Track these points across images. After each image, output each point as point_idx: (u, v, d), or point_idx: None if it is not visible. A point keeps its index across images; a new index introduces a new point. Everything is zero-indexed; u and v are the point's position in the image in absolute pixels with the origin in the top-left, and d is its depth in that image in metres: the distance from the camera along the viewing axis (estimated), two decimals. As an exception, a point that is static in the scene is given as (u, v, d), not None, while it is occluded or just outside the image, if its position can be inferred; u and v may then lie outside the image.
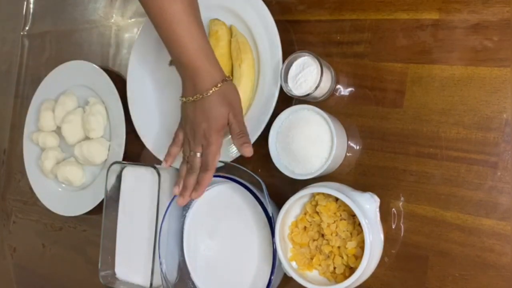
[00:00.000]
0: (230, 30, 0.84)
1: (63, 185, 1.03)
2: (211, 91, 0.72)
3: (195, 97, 0.73)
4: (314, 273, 0.70)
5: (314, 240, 0.70)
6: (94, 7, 1.07)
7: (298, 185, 0.72)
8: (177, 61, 0.73)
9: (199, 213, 0.82)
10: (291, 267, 0.69)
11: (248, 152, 0.75)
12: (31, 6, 1.19)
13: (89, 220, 1.01)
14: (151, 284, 0.81)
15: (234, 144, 0.76)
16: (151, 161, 0.89)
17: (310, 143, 0.71)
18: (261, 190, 0.72)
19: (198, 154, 0.76)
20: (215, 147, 0.75)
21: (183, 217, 0.82)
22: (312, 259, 0.70)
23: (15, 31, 1.21)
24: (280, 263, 0.70)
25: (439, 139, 0.68)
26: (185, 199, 0.77)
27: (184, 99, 0.75)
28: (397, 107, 0.71)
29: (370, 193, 0.67)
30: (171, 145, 0.81)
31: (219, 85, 0.73)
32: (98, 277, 0.89)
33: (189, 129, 0.76)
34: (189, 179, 0.77)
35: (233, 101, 0.75)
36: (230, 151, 0.81)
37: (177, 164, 0.86)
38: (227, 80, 0.74)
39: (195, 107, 0.74)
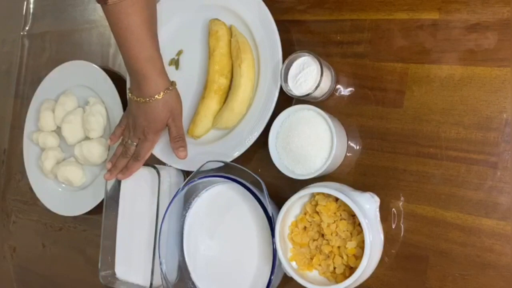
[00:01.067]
0: (230, 30, 0.84)
1: (63, 185, 1.03)
2: (153, 98, 0.79)
3: (139, 99, 0.80)
4: (314, 273, 0.70)
5: (314, 240, 0.70)
6: (94, 7, 1.07)
7: (298, 185, 0.72)
8: (127, 66, 0.79)
9: (199, 213, 0.82)
10: (291, 267, 0.69)
11: (183, 155, 0.83)
12: (31, 6, 1.19)
13: (89, 220, 1.01)
14: (151, 284, 0.81)
15: (171, 146, 0.84)
16: (151, 161, 0.88)
17: (310, 143, 0.71)
18: (261, 190, 0.72)
19: (134, 144, 0.85)
20: (150, 143, 0.84)
21: (183, 217, 0.82)
22: (312, 259, 0.70)
23: (15, 31, 1.20)
24: (280, 263, 0.70)
25: (439, 139, 0.68)
26: (112, 176, 0.87)
27: (130, 95, 0.82)
28: (397, 107, 0.71)
29: (370, 193, 0.68)
30: (117, 126, 0.89)
31: (161, 93, 0.79)
32: (98, 277, 0.89)
33: (131, 122, 0.84)
34: (121, 161, 0.86)
35: (173, 108, 0.82)
36: (230, 151, 0.81)
37: (176, 163, 0.86)
38: (171, 89, 0.80)
39: (138, 107, 0.81)
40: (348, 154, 0.75)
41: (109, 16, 0.75)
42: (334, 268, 0.68)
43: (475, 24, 0.67)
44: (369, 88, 0.73)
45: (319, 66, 0.72)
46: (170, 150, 0.86)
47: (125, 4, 0.72)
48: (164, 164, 0.88)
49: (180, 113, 0.84)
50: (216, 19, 0.85)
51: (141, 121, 0.82)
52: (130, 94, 0.82)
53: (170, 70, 0.87)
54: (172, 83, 0.81)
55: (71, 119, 0.99)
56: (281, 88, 0.76)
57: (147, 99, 0.79)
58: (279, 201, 0.72)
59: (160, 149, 0.88)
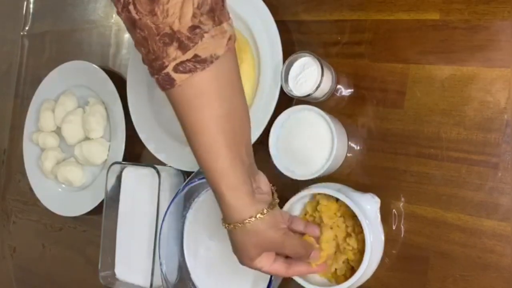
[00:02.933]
0: (231, 30, 0.84)
1: (63, 186, 1.03)
2: (231, 226, 0.59)
3: (224, 224, 0.61)
4: (314, 274, 0.70)
5: (314, 240, 0.70)
6: (94, 7, 1.07)
7: (299, 185, 0.72)
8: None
9: (199, 213, 0.81)
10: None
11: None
12: (31, 6, 1.19)
13: (89, 220, 1.01)
14: (151, 285, 0.81)
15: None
16: (151, 161, 0.88)
17: (310, 144, 0.71)
18: (261, 190, 0.72)
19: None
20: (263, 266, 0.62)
21: (183, 218, 0.82)
22: (312, 259, 0.70)
23: (15, 31, 1.20)
24: (280, 263, 0.70)
25: (440, 139, 0.68)
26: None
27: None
28: (398, 107, 0.71)
29: (371, 193, 0.68)
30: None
31: (239, 224, 0.58)
32: (98, 277, 0.89)
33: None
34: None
35: (264, 241, 0.60)
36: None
37: (176, 163, 0.86)
38: (255, 218, 0.57)
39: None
40: (348, 155, 0.75)
41: (174, 103, 0.55)
42: (335, 269, 0.68)
43: (475, 25, 0.67)
44: (370, 88, 0.73)
45: (319, 67, 0.72)
46: (170, 150, 0.86)
47: (193, 92, 0.53)
48: (164, 164, 0.88)
49: (277, 245, 0.61)
50: (217, 19, 0.85)
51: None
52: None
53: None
54: (262, 210, 0.58)
55: (71, 119, 0.99)
56: (281, 89, 0.76)
57: (225, 225, 0.60)
58: (279, 202, 0.71)
59: (160, 149, 0.88)
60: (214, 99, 0.53)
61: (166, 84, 0.53)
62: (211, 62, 0.52)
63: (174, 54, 0.51)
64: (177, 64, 0.51)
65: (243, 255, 0.61)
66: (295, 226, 0.66)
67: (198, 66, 0.51)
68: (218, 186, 0.57)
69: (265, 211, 0.58)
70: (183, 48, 0.51)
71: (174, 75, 0.52)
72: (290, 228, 0.65)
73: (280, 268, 0.63)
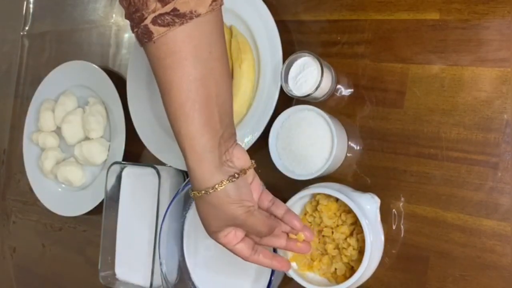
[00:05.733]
0: (230, 30, 0.84)
1: (63, 185, 1.03)
2: (197, 194, 0.57)
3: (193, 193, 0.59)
4: (314, 274, 0.70)
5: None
6: (94, 7, 1.07)
7: (299, 185, 0.72)
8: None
9: (199, 213, 0.82)
10: (291, 268, 0.69)
11: (282, 266, 0.63)
12: (31, 6, 1.19)
13: (89, 220, 1.01)
14: (151, 285, 0.81)
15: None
16: (151, 161, 0.88)
17: (310, 144, 0.71)
18: (261, 190, 0.72)
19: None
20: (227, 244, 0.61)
21: (183, 217, 0.82)
22: (312, 259, 0.70)
23: (15, 31, 1.20)
24: (280, 263, 0.70)
25: (440, 139, 0.68)
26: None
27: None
28: (398, 107, 0.71)
29: (371, 193, 0.68)
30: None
31: (204, 191, 0.56)
32: (98, 277, 0.89)
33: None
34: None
35: (225, 214, 0.58)
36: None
37: (176, 163, 0.86)
38: (213, 189, 0.56)
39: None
40: (348, 155, 0.75)
41: (151, 58, 0.55)
42: (335, 269, 0.68)
43: (475, 25, 0.67)
44: (370, 88, 0.73)
45: (319, 67, 0.72)
46: (170, 150, 0.86)
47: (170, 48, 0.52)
48: (164, 164, 0.88)
49: (238, 222, 0.58)
50: (216, 19, 0.85)
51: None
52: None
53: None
54: (221, 182, 0.56)
55: (71, 119, 0.99)
56: (281, 89, 0.76)
57: (192, 193, 0.58)
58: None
59: (160, 149, 0.88)
60: (187, 60, 0.53)
61: (144, 38, 0.53)
62: (190, 18, 0.52)
63: (153, 6, 0.52)
64: (156, 17, 0.52)
65: (205, 226, 0.60)
66: (275, 210, 0.63)
67: (176, 20, 0.52)
68: (183, 149, 0.56)
69: (224, 182, 0.56)
70: (162, 0, 0.52)
71: (152, 27, 0.52)
72: (270, 210, 0.63)
73: (243, 250, 0.61)
